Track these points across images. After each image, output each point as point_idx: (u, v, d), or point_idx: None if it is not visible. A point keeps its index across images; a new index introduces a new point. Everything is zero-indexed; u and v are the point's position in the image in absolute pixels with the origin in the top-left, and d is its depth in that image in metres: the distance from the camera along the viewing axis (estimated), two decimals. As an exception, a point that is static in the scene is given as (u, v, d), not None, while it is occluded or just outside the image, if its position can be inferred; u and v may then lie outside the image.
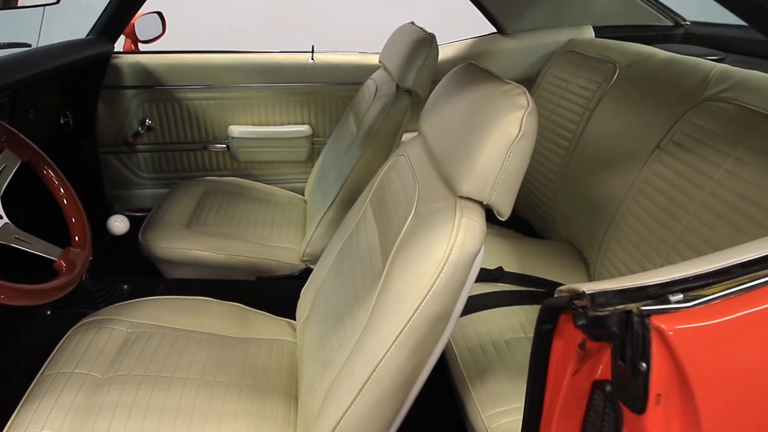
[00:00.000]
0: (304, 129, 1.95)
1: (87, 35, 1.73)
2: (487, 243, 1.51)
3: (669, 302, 0.46)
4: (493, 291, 1.23)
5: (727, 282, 0.47)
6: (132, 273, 1.54)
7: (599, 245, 1.29)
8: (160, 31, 1.95)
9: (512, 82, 0.73)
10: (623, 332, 0.46)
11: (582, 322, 0.47)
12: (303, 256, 1.48)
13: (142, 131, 1.91)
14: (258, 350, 1.09)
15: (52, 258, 0.93)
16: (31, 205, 1.25)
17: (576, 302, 0.47)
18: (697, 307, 0.45)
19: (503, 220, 0.73)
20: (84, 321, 1.09)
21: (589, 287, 0.48)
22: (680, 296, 0.46)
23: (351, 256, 0.96)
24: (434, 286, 0.68)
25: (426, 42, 1.35)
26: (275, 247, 1.53)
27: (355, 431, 0.74)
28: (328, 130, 1.97)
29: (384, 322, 0.71)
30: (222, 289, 1.40)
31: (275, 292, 1.44)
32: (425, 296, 0.68)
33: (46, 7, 1.25)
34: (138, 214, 1.92)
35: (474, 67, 0.84)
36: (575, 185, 1.45)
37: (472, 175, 0.71)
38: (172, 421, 0.89)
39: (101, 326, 1.07)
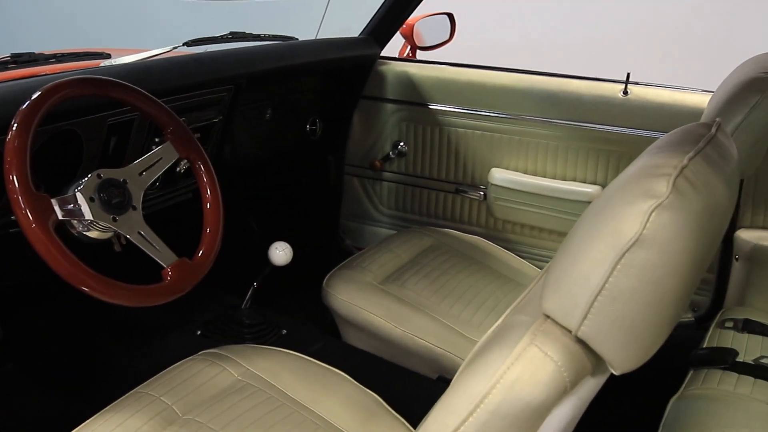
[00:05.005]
0: (592, 190, 1.92)
1: (359, 35, 2.13)
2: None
3: None
4: None
5: None
6: (310, 316, 1.81)
7: None
8: (446, 37, 2.23)
9: (687, 155, 0.69)
10: None
11: None
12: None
13: (392, 155, 2.21)
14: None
15: (162, 264, 1.21)
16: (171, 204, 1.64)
17: None
18: None
19: (616, 374, 0.69)
20: (209, 350, 1.37)
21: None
22: None
23: None
24: (460, 427, 0.71)
25: (757, 84, 1.20)
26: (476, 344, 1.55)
27: None
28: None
29: None
30: (384, 377, 1.52)
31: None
32: None
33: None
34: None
35: (697, 128, 0.80)
36: None
37: (559, 286, 0.70)
38: None
39: (216, 362, 1.33)
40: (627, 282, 0.65)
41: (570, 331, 0.70)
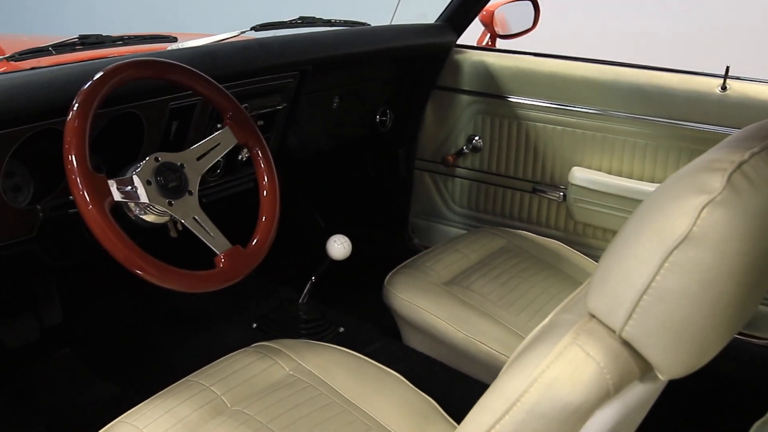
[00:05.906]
0: (684, 195, 1.85)
1: (435, 21, 2.13)
2: None
3: None
4: None
5: None
6: (369, 314, 1.82)
7: None
8: (529, 25, 2.20)
9: (750, 150, 0.68)
10: None
11: None
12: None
13: (466, 150, 2.19)
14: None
15: (215, 251, 1.24)
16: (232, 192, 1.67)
17: None
18: None
19: (663, 379, 0.70)
20: (261, 343, 1.41)
21: None
22: None
23: None
24: (495, 426, 0.73)
25: None
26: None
27: None
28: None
29: None
30: (443, 382, 1.51)
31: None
32: None
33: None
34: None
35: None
36: None
37: (603, 284, 0.70)
38: None
39: (268, 355, 1.36)
40: (675, 281, 0.65)
41: (614, 332, 0.70)
